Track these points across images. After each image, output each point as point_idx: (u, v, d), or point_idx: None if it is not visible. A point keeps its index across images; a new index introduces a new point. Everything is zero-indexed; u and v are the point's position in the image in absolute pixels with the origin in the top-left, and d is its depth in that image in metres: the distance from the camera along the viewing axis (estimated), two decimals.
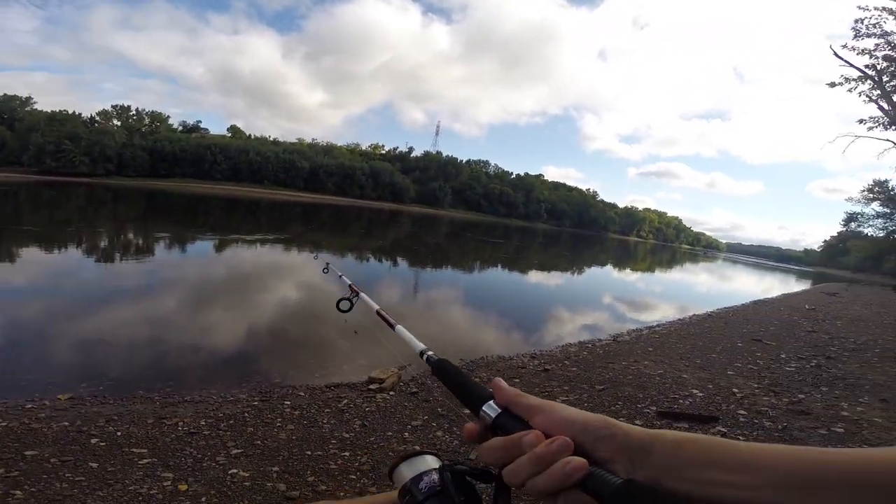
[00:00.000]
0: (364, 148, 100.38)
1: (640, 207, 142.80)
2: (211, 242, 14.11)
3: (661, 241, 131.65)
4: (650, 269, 29.99)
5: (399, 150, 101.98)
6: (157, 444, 2.70)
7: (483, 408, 0.43)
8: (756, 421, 3.55)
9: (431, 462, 0.47)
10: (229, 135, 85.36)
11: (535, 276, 16.64)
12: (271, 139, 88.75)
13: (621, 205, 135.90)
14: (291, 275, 10.21)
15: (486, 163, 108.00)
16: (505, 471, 0.38)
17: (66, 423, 2.88)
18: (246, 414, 3.23)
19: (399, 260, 15.57)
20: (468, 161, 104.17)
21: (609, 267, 26.16)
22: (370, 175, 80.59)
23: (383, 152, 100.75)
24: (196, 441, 2.77)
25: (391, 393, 3.79)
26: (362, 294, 0.78)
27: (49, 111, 64.17)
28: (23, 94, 70.75)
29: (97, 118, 68.58)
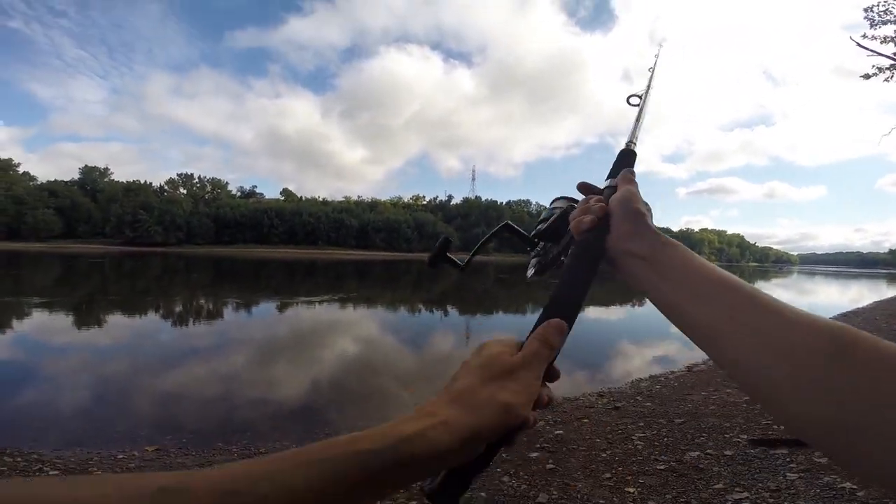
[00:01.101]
0: (406, 200, 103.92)
1: (696, 229, 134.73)
2: (275, 304, 14.87)
3: (724, 262, 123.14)
4: None
5: (439, 198, 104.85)
6: None
7: (609, 179, 0.55)
8: None
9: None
10: (282, 198, 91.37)
11: (592, 312, 16.03)
12: (321, 199, 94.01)
13: (675, 228, 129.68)
14: (350, 331, 10.50)
15: (527, 202, 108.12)
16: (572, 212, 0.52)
17: None
18: None
19: (449, 308, 15.61)
20: (508, 202, 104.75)
21: None
22: (415, 228, 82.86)
23: (424, 203, 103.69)
24: None
25: None
26: None
27: (125, 181, 71.31)
28: (101, 164, 79.79)
29: (166, 187, 75.63)
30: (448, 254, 0.50)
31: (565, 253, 0.50)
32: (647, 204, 0.48)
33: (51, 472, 2.97)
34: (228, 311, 12.92)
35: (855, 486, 2.49)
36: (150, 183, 74.20)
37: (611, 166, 0.57)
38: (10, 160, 62.34)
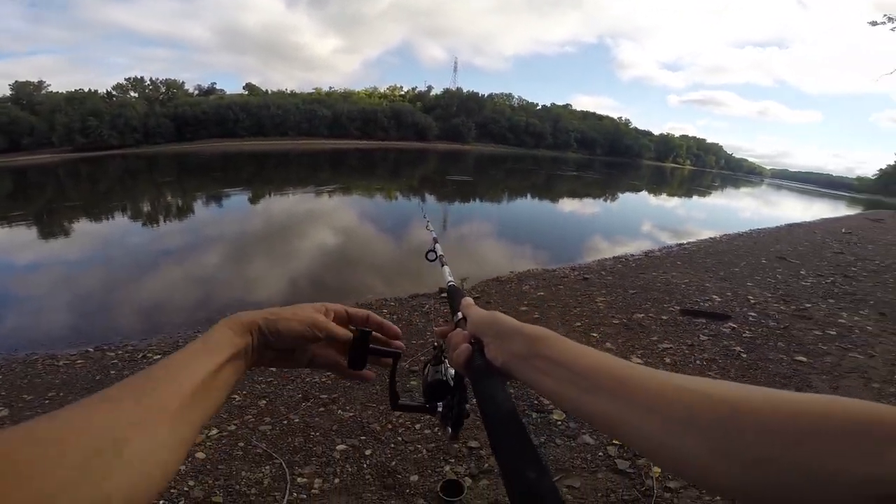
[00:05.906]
0: (382, 90, 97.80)
1: (677, 135, 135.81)
2: (274, 197, 15.36)
3: (699, 168, 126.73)
4: (686, 193, 29.51)
5: (418, 89, 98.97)
6: None
7: (456, 314, 0.60)
8: (762, 321, 4.24)
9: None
10: (246, 93, 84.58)
11: (569, 205, 17.17)
12: (289, 91, 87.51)
13: (656, 132, 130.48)
14: (327, 222, 11.22)
15: (510, 95, 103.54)
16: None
17: None
18: None
19: (427, 197, 16.13)
20: (490, 95, 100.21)
21: (644, 193, 26.01)
22: (392, 116, 79.37)
23: (402, 93, 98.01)
24: None
25: None
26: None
27: (65, 92, 64.53)
28: (33, 78, 71.03)
29: (114, 93, 69.06)
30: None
31: (464, 395, 0.51)
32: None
33: (155, 357, 3.55)
34: (232, 206, 13.50)
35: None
36: (96, 90, 67.12)
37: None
38: None
